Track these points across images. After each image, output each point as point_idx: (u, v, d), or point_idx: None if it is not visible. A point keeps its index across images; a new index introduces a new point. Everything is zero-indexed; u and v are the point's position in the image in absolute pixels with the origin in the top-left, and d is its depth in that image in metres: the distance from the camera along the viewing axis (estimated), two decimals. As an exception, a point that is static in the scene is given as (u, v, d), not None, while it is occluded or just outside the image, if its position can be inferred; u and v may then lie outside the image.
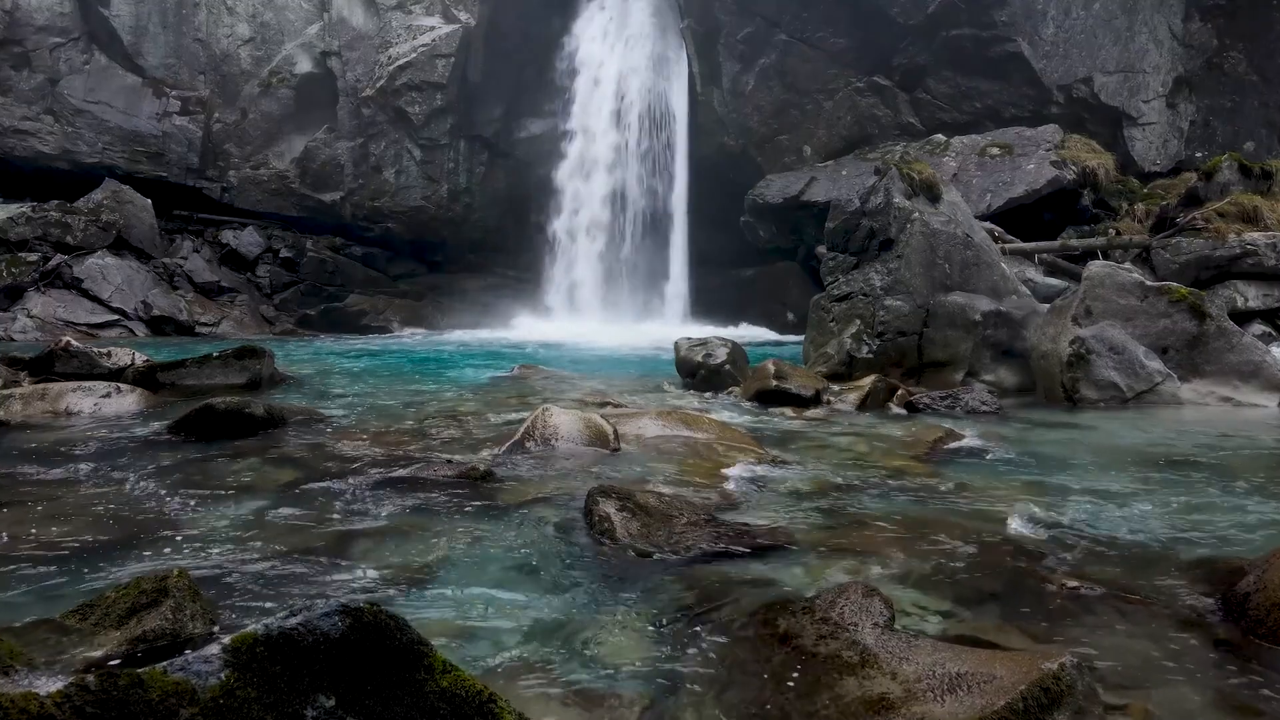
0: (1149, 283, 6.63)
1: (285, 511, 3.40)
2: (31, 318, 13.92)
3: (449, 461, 4.09)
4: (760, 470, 4.23)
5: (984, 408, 6.00)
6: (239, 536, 3.08)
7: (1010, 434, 5.31)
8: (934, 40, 14.80)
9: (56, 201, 15.76)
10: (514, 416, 5.62)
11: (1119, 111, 14.75)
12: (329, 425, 5.38)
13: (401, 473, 3.94)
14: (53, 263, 14.80)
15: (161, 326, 14.86)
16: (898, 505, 3.60)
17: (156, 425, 5.18)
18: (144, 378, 6.49)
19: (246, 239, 17.81)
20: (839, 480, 4.04)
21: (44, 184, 17.09)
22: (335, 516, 3.34)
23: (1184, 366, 6.45)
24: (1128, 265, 7.27)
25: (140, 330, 14.60)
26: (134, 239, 15.94)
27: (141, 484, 3.83)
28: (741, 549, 2.98)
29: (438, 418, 5.69)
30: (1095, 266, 6.77)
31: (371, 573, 2.72)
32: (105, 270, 14.94)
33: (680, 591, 2.60)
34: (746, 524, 3.29)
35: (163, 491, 3.70)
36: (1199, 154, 14.72)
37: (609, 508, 3.20)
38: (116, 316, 14.55)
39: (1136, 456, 4.62)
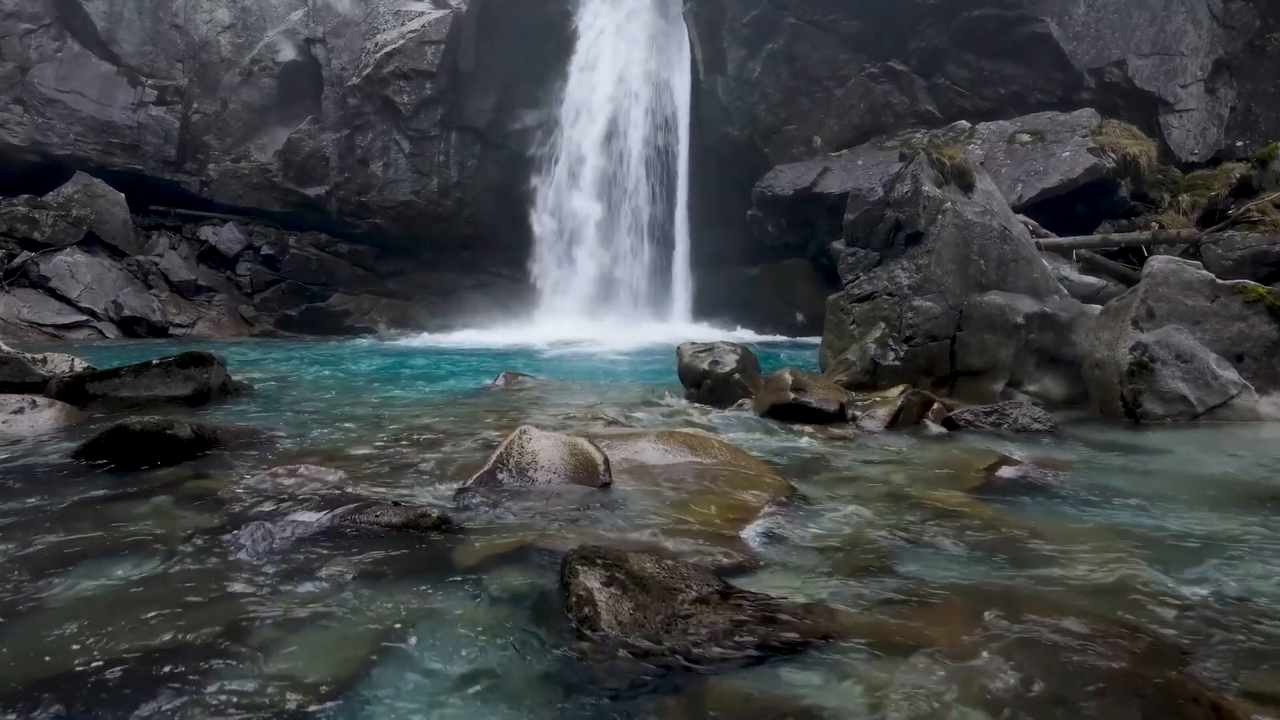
0: (1220, 281, 5.80)
1: (177, 577, 2.63)
2: (-6, 318, 13.13)
3: (396, 504, 3.28)
4: (783, 512, 3.42)
5: (1036, 426, 5.19)
6: (106, 620, 2.30)
7: (1074, 460, 4.50)
8: (953, 21, 13.88)
9: (25, 195, 14.96)
10: (490, 436, 4.86)
11: (1154, 97, 13.79)
12: (271, 449, 4.59)
13: (337, 520, 3.15)
14: (18, 260, 14.01)
15: (133, 328, 14.06)
16: (962, 566, 2.80)
17: (68, 448, 4.41)
18: (69, 389, 5.68)
19: (226, 236, 16.96)
20: (882, 527, 3.23)
21: (11, 177, 16.25)
22: (237, 587, 2.56)
23: (1262, 376, 5.63)
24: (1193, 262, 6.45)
25: (111, 331, 13.80)
26: (106, 235, 15.14)
27: (12, 534, 3.04)
28: (769, 644, 2.17)
29: (402, 440, 4.90)
30: (1158, 262, 5.95)
31: (255, 685, 1.93)
32: (74, 268, 14.13)
33: (686, 728, 1.80)
34: (772, 601, 2.48)
35: (32, 546, 2.92)
36: (1239, 143, 13.75)
37: (592, 582, 2.39)
38: (85, 317, 13.75)
39: (1240, 490, 3.80)
